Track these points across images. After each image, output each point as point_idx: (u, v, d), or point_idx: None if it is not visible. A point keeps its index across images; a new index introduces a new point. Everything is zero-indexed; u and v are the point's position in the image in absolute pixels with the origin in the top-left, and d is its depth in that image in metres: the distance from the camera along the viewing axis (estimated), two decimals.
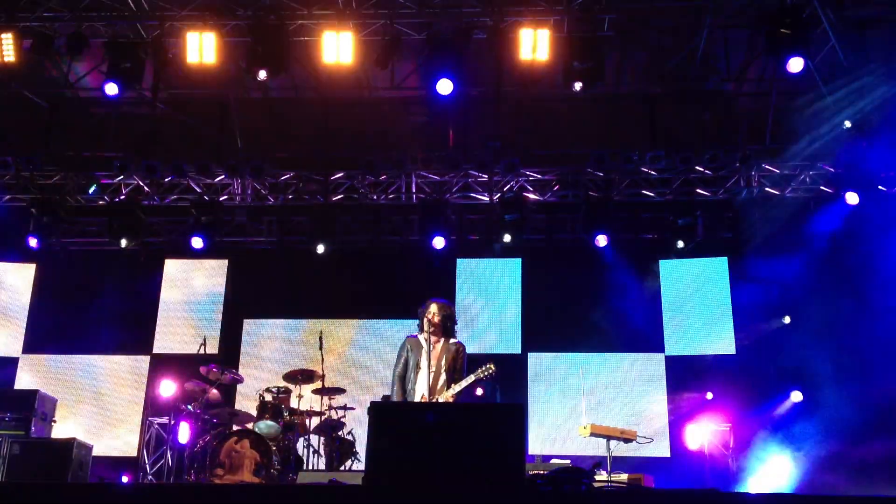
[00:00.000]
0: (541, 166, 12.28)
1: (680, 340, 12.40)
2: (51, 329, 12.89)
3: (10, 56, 10.29)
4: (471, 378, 7.25)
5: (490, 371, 7.21)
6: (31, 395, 10.16)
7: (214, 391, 9.85)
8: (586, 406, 10.20)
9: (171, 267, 13.26)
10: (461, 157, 12.13)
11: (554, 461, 9.19)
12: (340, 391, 10.20)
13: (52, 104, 12.28)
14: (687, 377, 12.13)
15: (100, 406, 12.63)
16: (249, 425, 9.45)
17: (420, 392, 7.36)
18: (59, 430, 10.75)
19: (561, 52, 10.13)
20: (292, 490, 6.19)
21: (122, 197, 12.47)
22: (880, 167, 11.33)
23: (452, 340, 7.56)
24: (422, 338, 7.51)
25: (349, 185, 12.48)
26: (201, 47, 10.20)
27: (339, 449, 9.76)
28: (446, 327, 7.55)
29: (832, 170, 11.77)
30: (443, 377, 7.35)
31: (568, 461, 9.23)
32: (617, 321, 12.24)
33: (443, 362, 7.38)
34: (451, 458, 4.82)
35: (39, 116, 12.24)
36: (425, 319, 7.48)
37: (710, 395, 11.75)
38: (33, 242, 12.11)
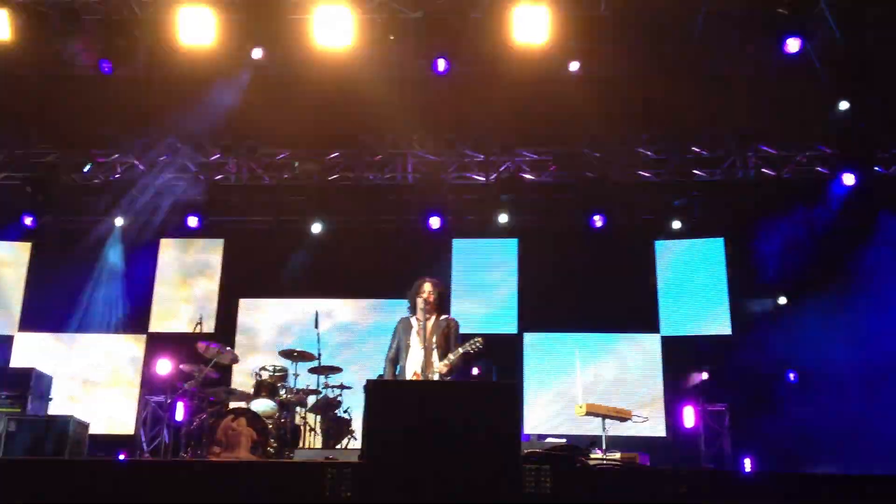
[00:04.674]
0: (537, 147, 12.24)
1: (676, 321, 12.42)
2: (46, 307, 12.89)
3: (3, 33, 10.21)
4: (459, 351, 7.21)
5: (477, 344, 7.17)
6: (27, 373, 10.18)
7: (211, 370, 9.86)
8: (582, 386, 10.24)
9: (167, 246, 13.25)
10: (457, 137, 12.09)
11: (549, 440, 9.21)
12: (337, 370, 10.21)
13: (46, 82, 12.18)
14: (683, 357, 12.17)
15: (96, 384, 12.66)
16: (245, 403, 9.47)
17: (411, 369, 7.36)
18: (56, 408, 10.76)
19: (558, 32, 10.06)
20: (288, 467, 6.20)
21: (117, 175, 12.43)
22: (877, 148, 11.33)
23: (444, 317, 7.54)
24: (413, 318, 7.51)
25: (345, 164, 12.44)
26: (195, 24, 10.12)
27: (336, 427, 9.78)
28: (441, 305, 7.55)
29: (829, 151, 11.75)
30: (435, 353, 7.33)
31: (564, 440, 9.25)
32: (613, 301, 12.29)
33: (434, 339, 7.37)
34: (447, 436, 4.83)
35: (33, 94, 12.15)
36: (419, 298, 7.46)
37: (705, 376, 11.79)
38: (28, 221, 12.12)
